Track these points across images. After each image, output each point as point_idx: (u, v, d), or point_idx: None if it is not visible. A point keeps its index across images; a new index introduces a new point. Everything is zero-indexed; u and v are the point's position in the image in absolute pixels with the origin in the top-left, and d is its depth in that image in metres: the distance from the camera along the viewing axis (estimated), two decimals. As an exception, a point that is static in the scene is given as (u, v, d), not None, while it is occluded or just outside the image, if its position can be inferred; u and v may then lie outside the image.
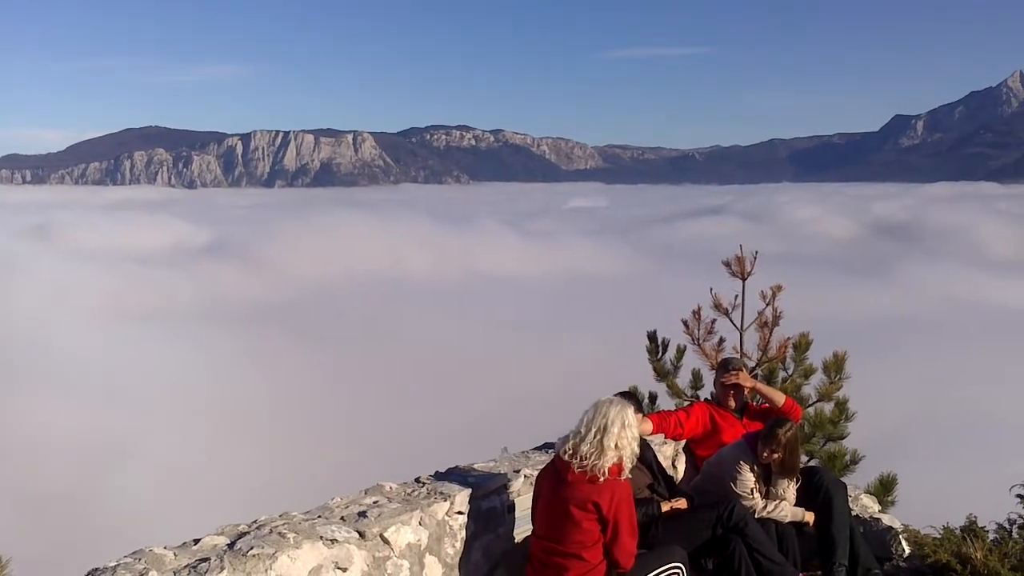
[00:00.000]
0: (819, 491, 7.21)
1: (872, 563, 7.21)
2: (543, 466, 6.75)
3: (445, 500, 6.18)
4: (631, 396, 7.16)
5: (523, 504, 6.69)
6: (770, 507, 7.00)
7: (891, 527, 8.00)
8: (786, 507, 7.06)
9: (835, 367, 10.40)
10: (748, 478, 7.00)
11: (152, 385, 65.49)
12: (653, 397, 10.83)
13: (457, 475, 6.62)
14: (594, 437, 5.85)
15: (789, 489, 7.12)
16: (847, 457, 10.40)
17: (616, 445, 5.84)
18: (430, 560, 6.04)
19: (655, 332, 11.04)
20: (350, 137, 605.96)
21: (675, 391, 10.70)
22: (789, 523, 7.07)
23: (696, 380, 10.78)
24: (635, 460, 6.03)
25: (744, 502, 6.90)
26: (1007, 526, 8.22)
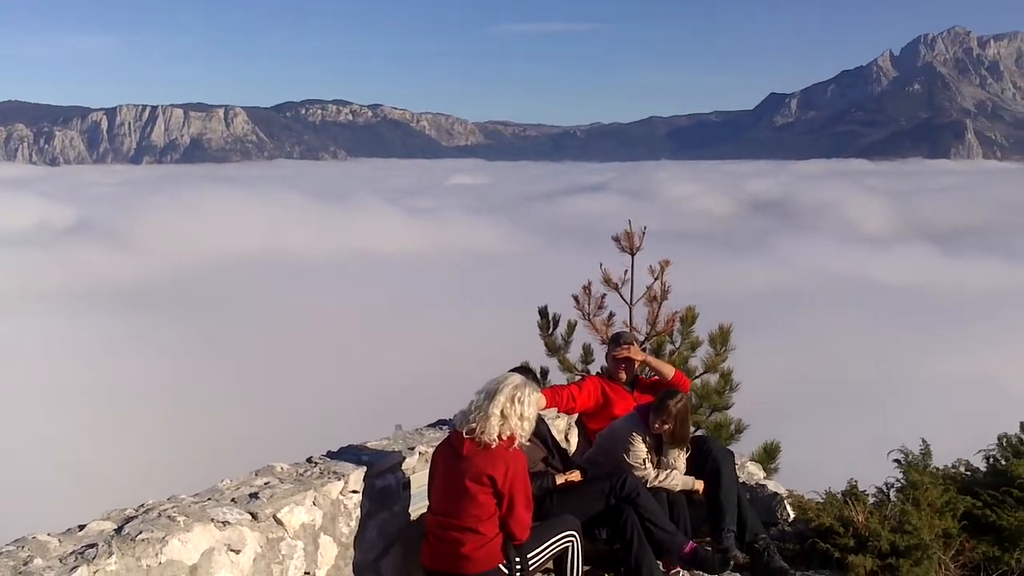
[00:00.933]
0: (707, 459, 7.34)
1: (759, 528, 7.37)
2: (438, 442, 6.72)
3: (339, 479, 6.06)
4: (527, 371, 7.17)
5: (418, 481, 6.63)
6: (661, 476, 7.10)
7: (776, 493, 8.20)
8: (677, 476, 7.17)
9: (720, 339, 10.63)
10: (640, 449, 7.09)
11: (23, 371, 63.17)
12: (545, 372, 10.86)
13: (350, 453, 6.52)
14: (483, 402, 5.85)
15: (679, 459, 7.24)
16: (732, 427, 10.64)
17: (502, 413, 5.82)
18: (325, 540, 5.92)
19: (546, 308, 11.09)
20: (221, 112, 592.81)
21: (566, 366, 10.78)
22: (680, 492, 7.19)
23: (587, 355, 10.88)
24: (526, 435, 6.01)
25: (636, 472, 6.98)
26: (885, 489, 8.51)
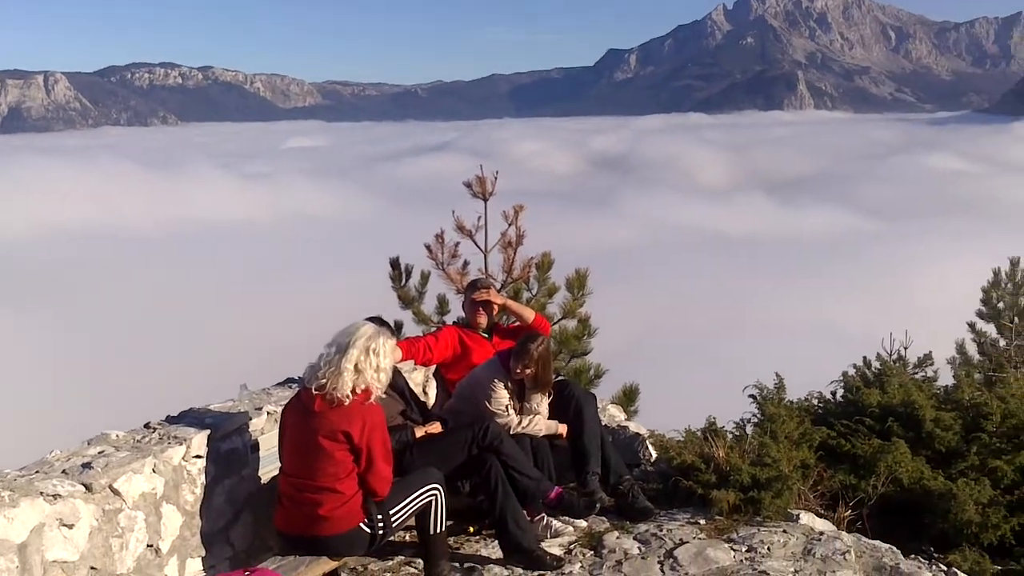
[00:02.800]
0: (570, 403, 7.18)
1: (623, 469, 7.27)
2: (287, 401, 6.36)
3: (180, 444, 5.64)
4: (380, 322, 6.82)
5: (268, 443, 6.26)
6: (525, 422, 6.91)
7: (638, 434, 8.15)
8: (540, 421, 7.00)
9: (578, 284, 10.52)
10: (502, 395, 6.87)
11: None
12: (399, 325, 10.54)
13: (192, 417, 6.08)
14: (333, 355, 5.51)
15: (542, 403, 7.06)
16: (592, 372, 10.58)
17: (356, 367, 5.50)
18: (168, 509, 5.51)
19: (397, 258, 10.75)
20: (41, 78, 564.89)
21: (421, 318, 10.50)
22: (543, 437, 7.02)
23: (442, 305, 10.63)
24: (382, 388, 5.71)
25: (499, 419, 6.77)
26: (742, 424, 8.56)
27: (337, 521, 5.52)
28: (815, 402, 9.31)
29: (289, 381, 7.16)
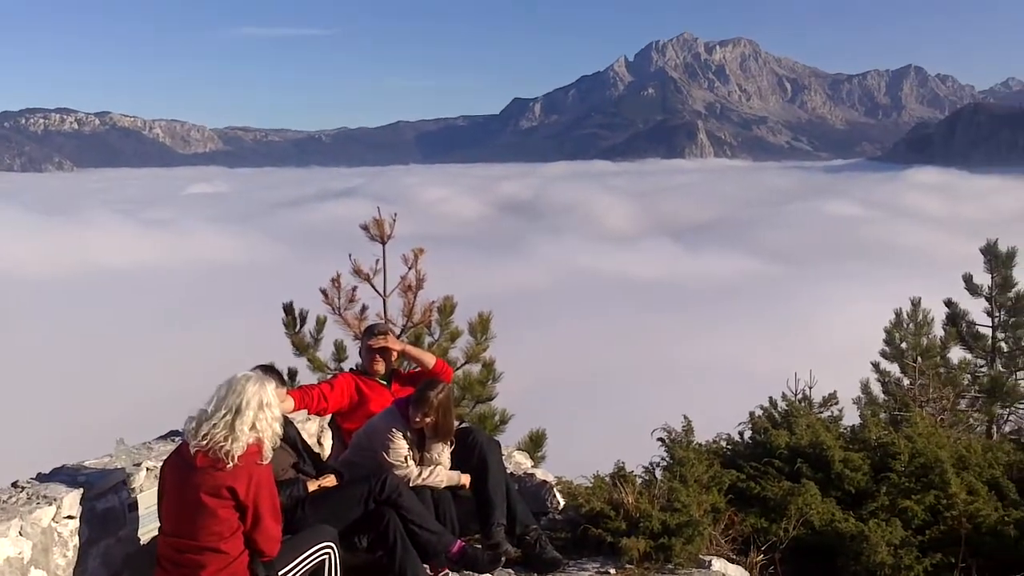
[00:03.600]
0: (473, 451, 6.87)
1: (529, 519, 6.97)
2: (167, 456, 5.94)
3: (50, 504, 5.20)
4: (271, 370, 6.44)
5: (147, 501, 5.82)
6: (425, 474, 6.57)
7: (545, 481, 7.87)
8: (442, 472, 6.67)
9: (481, 328, 10.22)
10: (401, 445, 6.53)
11: None
12: (293, 373, 10.12)
13: (64, 475, 5.63)
14: (224, 417, 5.13)
15: (444, 453, 6.73)
16: (497, 417, 10.27)
17: (253, 426, 5.16)
18: (36, 574, 5.05)
19: (291, 304, 10.33)
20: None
21: (317, 365, 10.07)
22: (445, 488, 6.69)
23: (339, 352, 10.23)
24: (277, 442, 5.36)
25: (398, 471, 6.42)
26: (651, 468, 8.35)
27: None
28: (724, 444, 9.16)
29: (173, 434, 6.71)
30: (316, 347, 10.23)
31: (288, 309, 10.33)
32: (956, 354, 14.46)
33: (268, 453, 5.28)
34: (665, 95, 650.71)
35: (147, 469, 5.94)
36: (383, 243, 9.84)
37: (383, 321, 9.40)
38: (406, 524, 6.06)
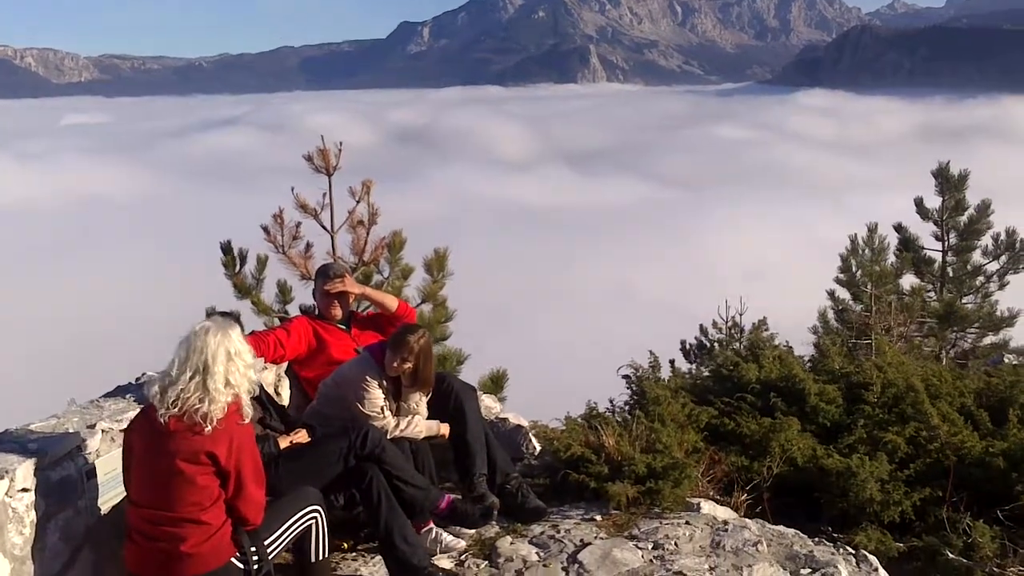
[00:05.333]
0: (449, 398, 6.44)
1: (509, 467, 6.62)
2: (125, 416, 5.37)
3: (1, 477, 4.61)
4: (228, 316, 5.88)
5: (107, 466, 5.26)
6: (403, 424, 6.12)
7: (520, 426, 7.51)
8: (420, 422, 6.23)
9: (437, 265, 9.68)
10: (377, 395, 6.05)
11: None
12: (236, 318, 9.48)
13: (11, 441, 5.01)
14: (192, 379, 4.59)
15: (421, 402, 6.28)
16: (455, 359, 9.81)
17: (228, 383, 4.65)
18: (-8, 556, 4.51)
19: (229, 242, 9.63)
20: None
21: (261, 308, 9.43)
22: (423, 439, 6.27)
23: (284, 293, 9.60)
24: (256, 391, 4.86)
25: (375, 423, 5.96)
26: (625, 408, 8.06)
27: (204, 558, 4.62)
28: (689, 379, 8.93)
29: (121, 390, 6.08)
30: (259, 288, 9.58)
31: (227, 248, 9.63)
32: (905, 280, 14.39)
33: (248, 410, 4.79)
34: (556, 18, 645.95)
35: (102, 431, 5.35)
36: (329, 175, 9.20)
37: (337, 261, 8.77)
38: (390, 480, 5.63)
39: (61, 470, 5.00)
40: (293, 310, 9.39)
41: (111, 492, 5.26)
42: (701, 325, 16.25)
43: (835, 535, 6.61)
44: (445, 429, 6.33)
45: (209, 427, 4.55)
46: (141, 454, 4.70)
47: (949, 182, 14.95)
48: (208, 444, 4.57)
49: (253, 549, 4.74)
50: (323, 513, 5.14)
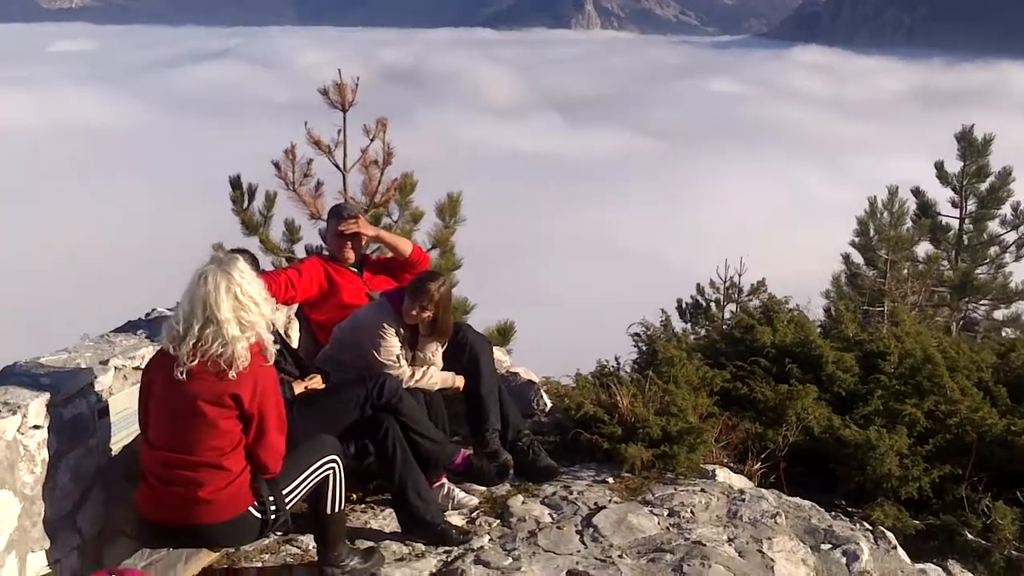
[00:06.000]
0: (464, 350, 6.27)
1: (521, 423, 6.49)
2: (138, 353, 5.21)
3: (14, 412, 4.43)
4: (238, 253, 5.69)
5: (119, 404, 5.10)
6: (418, 375, 5.95)
7: (531, 380, 7.35)
8: (435, 373, 6.06)
9: (450, 209, 9.42)
10: (393, 343, 5.87)
11: None
12: (248, 256, 9.24)
13: (21, 375, 4.82)
14: (204, 331, 4.37)
15: (437, 352, 6.11)
16: (462, 309, 9.61)
17: (242, 324, 4.43)
18: (3, 496, 4.35)
19: (239, 177, 9.35)
20: None
21: (269, 247, 9.18)
22: (437, 391, 6.12)
23: (291, 232, 9.35)
24: (271, 321, 4.66)
25: (389, 372, 5.79)
26: (636, 368, 7.94)
27: (221, 506, 4.47)
28: (700, 340, 8.79)
29: (132, 326, 5.88)
30: (267, 226, 9.33)
31: (236, 183, 9.32)
32: (919, 248, 14.08)
33: (271, 350, 4.61)
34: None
35: (115, 368, 5.17)
36: (344, 111, 8.91)
37: (349, 201, 8.51)
38: (406, 432, 5.48)
39: (73, 407, 4.84)
40: (299, 251, 9.20)
41: (123, 432, 5.12)
42: (698, 284, 16.11)
43: (849, 509, 6.53)
44: (460, 381, 6.17)
45: (234, 372, 4.39)
46: (160, 394, 4.53)
47: (972, 146, 14.55)
48: (232, 386, 4.41)
49: (271, 498, 4.60)
50: (341, 463, 4.99)
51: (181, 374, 4.39)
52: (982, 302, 13.80)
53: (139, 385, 4.79)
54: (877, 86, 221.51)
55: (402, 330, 5.92)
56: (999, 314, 13.96)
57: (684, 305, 15.87)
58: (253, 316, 4.47)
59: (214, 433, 4.42)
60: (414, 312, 5.82)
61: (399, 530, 5.57)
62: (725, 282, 15.72)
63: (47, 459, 4.63)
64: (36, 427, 4.56)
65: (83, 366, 5.04)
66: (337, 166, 8.89)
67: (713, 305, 15.66)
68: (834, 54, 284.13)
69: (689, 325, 15.39)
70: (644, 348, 8.21)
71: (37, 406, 4.56)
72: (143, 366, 5.05)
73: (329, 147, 8.85)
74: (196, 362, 4.39)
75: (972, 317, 13.67)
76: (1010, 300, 13.86)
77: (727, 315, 15.10)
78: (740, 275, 15.55)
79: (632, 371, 7.93)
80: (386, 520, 5.74)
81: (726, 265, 15.60)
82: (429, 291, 5.78)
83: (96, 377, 5.01)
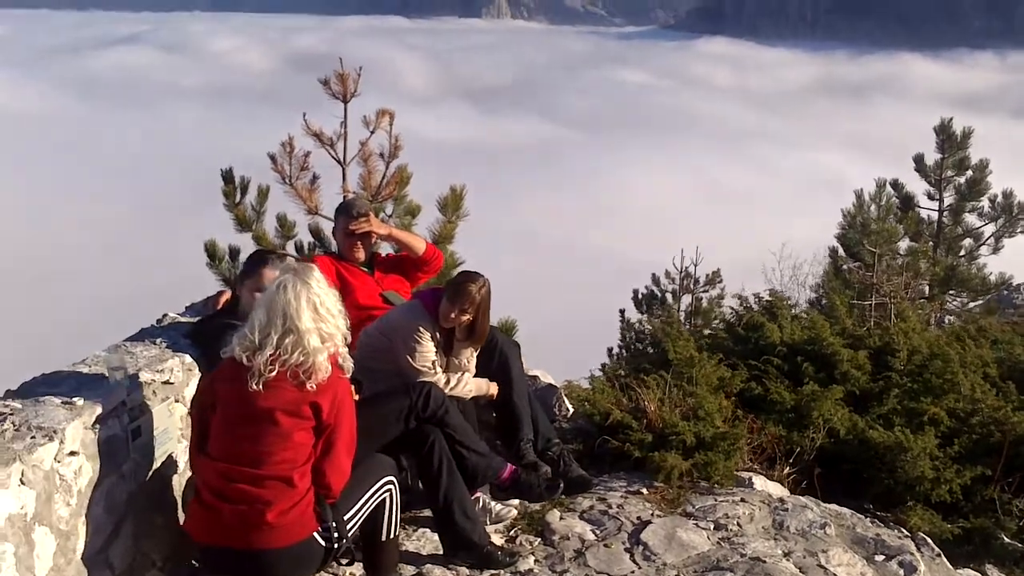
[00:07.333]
0: (494, 355, 5.96)
1: (551, 432, 6.18)
2: (165, 366, 4.80)
3: (50, 439, 3.95)
4: (273, 255, 5.34)
5: (151, 424, 4.67)
6: (453, 382, 5.62)
7: (552, 384, 7.07)
8: (470, 380, 5.74)
9: (453, 204, 9.06)
10: (429, 348, 5.52)
11: None
12: (235, 252, 8.79)
13: (47, 392, 4.29)
14: (283, 343, 4.12)
15: (472, 358, 5.78)
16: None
17: (322, 335, 4.17)
18: (40, 533, 3.89)
19: (231, 170, 8.86)
20: None
21: (265, 242, 8.69)
22: (471, 399, 5.80)
23: (285, 228, 8.90)
24: (348, 341, 4.36)
25: (423, 379, 5.45)
26: (626, 367, 7.72)
27: (287, 529, 4.10)
28: (713, 339, 8.60)
29: (144, 334, 5.40)
30: (260, 221, 8.85)
31: (228, 176, 8.81)
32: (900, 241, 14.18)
33: (350, 363, 4.35)
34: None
35: (144, 382, 4.71)
36: (345, 102, 8.49)
37: (357, 197, 8.08)
38: (452, 445, 5.16)
39: (107, 429, 4.37)
40: (291, 248, 8.79)
41: (158, 454, 4.71)
42: (654, 275, 16.04)
43: (879, 514, 6.40)
44: (495, 389, 5.86)
45: (314, 384, 4.11)
46: (230, 404, 4.20)
47: (950, 139, 14.66)
48: (311, 395, 4.13)
49: (334, 524, 4.25)
50: (397, 483, 4.66)
51: (257, 384, 4.07)
52: (959, 296, 14.01)
53: (197, 397, 4.52)
54: (781, 77, 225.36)
55: (437, 334, 5.59)
56: (972, 306, 14.17)
57: (640, 296, 15.78)
58: (331, 327, 4.23)
59: (287, 444, 4.11)
60: (453, 315, 5.50)
61: (439, 552, 5.25)
62: (681, 272, 15.67)
63: (82, 490, 4.19)
64: (73, 453, 4.12)
65: (116, 380, 4.57)
66: (338, 160, 8.45)
67: (669, 296, 15.59)
68: (739, 45, 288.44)
69: (645, 316, 15.35)
70: (633, 347, 7.99)
71: (74, 430, 4.11)
72: (171, 379, 4.71)
73: (332, 139, 8.42)
74: (275, 372, 4.08)
75: (947, 309, 13.82)
76: (988, 292, 14.08)
77: (683, 305, 15.10)
78: (696, 265, 15.52)
79: (627, 369, 7.68)
80: (421, 542, 5.42)
81: (682, 255, 15.54)
82: (470, 293, 5.47)
83: (129, 394, 4.57)
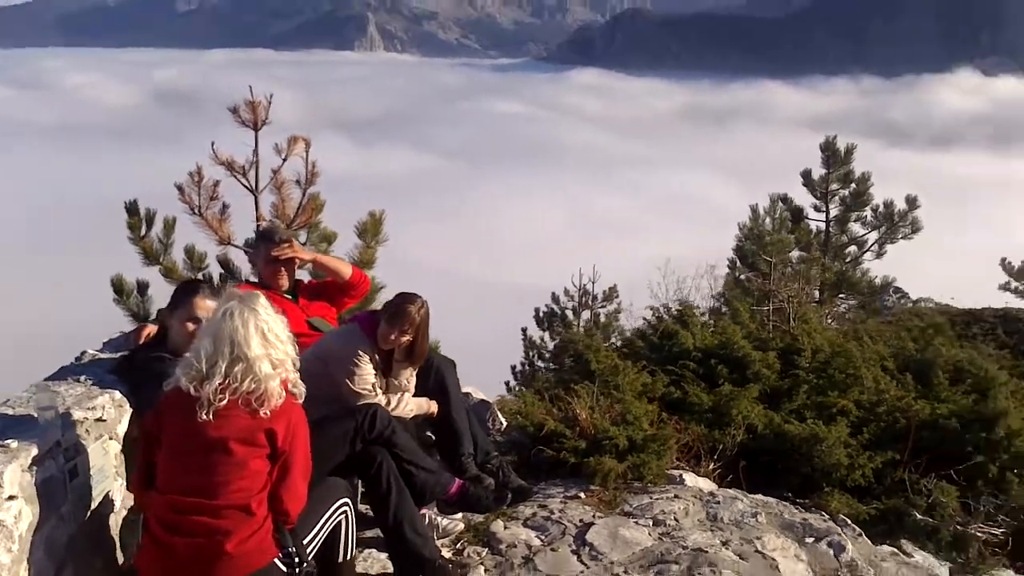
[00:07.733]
0: (431, 373, 5.95)
1: (489, 446, 6.18)
2: (96, 403, 4.66)
3: (-11, 482, 3.82)
4: (201, 283, 5.25)
5: (87, 463, 4.52)
6: (394, 403, 5.59)
7: (485, 400, 7.13)
8: (411, 400, 5.73)
9: (372, 229, 9.01)
10: (368, 371, 5.48)
11: None
12: (144, 286, 8.56)
13: (-23, 434, 4.18)
14: (234, 367, 4.06)
15: (412, 378, 5.76)
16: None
17: (272, 361, 4.12)
18: (-23, 585, 3.75)
19: (135, 201, 8.63)
20: None
21: (175, 276, 8.48)
22: (411, 419, 5.79)
23: (194, 259, 8.69)
24: (298, 366, 4.32)
25: (363, 402, 5.42)
26: (545, 377, 7.86)
27: (247, 557, 3.99)
28: (629, 348, 8.80)
29: (65, 372, 5.20)
30: (167, 254, 8.63)
31: (132, 209, 8.59)
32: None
33: (301, 388, 4.28)
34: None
35: (76, 420, 4.55)
36: (256, 129, 8.38)
37: (273, 223, 7.95)
38: (400, 464, 5.15)
39: (44, 471, 4.21)
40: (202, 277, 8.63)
41: (93, 494, 4.57)
42: (553, 293, 16.33)
43: (799, 500, 6.64)
44: (435, 407, 5.84)
45: (267, 410, 4.04)
46: (177, 436, 4.09)
47: (835, 155, 15.51)
48: (266, 422, 4.06)
49: (293, 549, 4.19)
50: (352, 506, 4.63)
51: (207, 414, 3.98)
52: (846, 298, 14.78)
53: (141, 432, 4.38)
54: (649, 106, 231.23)
55: (376, 356, 5.57)
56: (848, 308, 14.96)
57: (542, 314, 16.02)
58: (280, 353, 4.17)
59: (243, 473, 4.02)
60: (393, 336, 5.47)
61: (388, 571, 5.23)
62: (579, 289, 15.98)
63: (23, 534, 4.03)
64: (12, 498, 3.95)
65: (47, 419, 4.42)
66: (250, 188, 8.32)
67: (570, 312, 15.87)
68: (609, 76, 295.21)
69: (546, 333, 15.61)
70: (577, 358, 8.12)
71: (12, 473, 3.95)
72: (104, 416, 4.60)
73: (243, 168, 8.29)
74: (225, 401, 4.00)
75: (836, 311, 14.48)
76: (875, 294, 14.85)
77: (583, 321, 15.41)
78: (593, 282, 15.85)
79: (546, 380, 7.81)
80: (368, 562, 5.38)
81: (580, 274, 15.87)
82: (410, 314, 5.45)
83: (63, 433, 4.42)
